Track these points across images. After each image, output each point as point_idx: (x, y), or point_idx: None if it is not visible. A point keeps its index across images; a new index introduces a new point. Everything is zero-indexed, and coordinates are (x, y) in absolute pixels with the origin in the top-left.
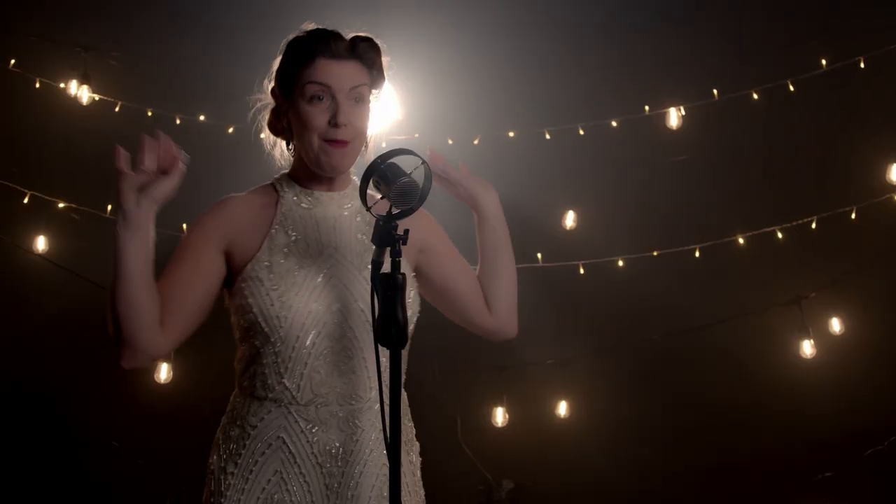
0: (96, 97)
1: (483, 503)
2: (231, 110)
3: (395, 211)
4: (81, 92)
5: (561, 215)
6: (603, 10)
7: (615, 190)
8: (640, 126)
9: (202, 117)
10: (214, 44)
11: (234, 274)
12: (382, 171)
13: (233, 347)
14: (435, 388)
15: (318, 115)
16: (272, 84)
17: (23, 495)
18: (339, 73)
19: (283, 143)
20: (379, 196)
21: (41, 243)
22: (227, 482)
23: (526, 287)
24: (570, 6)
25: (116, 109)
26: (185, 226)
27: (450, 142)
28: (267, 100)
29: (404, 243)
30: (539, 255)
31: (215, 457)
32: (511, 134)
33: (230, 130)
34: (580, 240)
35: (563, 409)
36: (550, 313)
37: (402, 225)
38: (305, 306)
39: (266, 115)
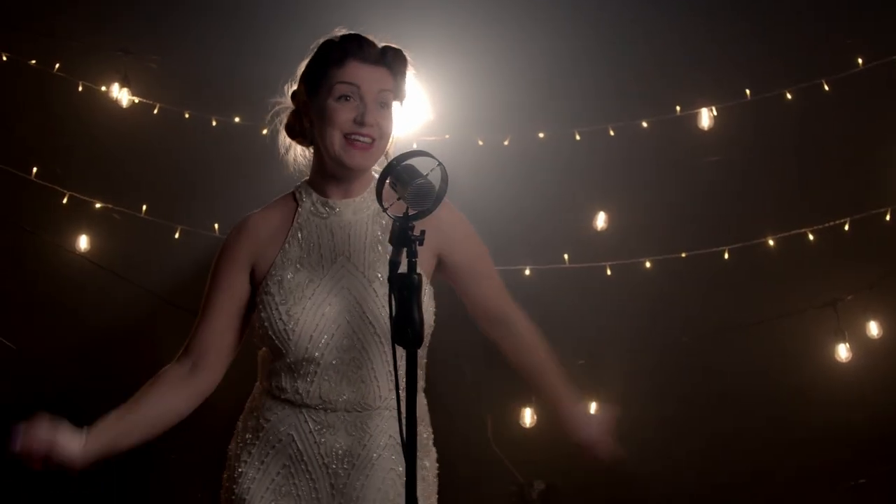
0: (136, 100)
1: None
2: (266, 112)
3: (411, 212)
4: (122, 95)
5: (591, 216)
6: (634, 9)
7: (645, 191)
8: (672, 127)
9: (237, 119)
10: (250, 46)
11: (254, 289)
12: (398, 173)
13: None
14: (465, 388)
15: (344, 112)
16: (295, 86)
17: (59, 490)
18: (369, 75)
19: (298, 148)
20: (396, 197)
21: (83, 243)
22: (239, 470)
23: (555, 288)
24: (601, 6)
25: (155, 112)
26: (217, 226)
27: (480, 143)
28: (287, 104)
29: (421, 244)
30: (566, 256)
31: (233, 444)
32: (541, 135)
33: (264, 132)
34: (610, 241)
35: (592, 409)
36: (580, 314)
37: (419, 225)
38: (312, 320)
39: (284, 119)
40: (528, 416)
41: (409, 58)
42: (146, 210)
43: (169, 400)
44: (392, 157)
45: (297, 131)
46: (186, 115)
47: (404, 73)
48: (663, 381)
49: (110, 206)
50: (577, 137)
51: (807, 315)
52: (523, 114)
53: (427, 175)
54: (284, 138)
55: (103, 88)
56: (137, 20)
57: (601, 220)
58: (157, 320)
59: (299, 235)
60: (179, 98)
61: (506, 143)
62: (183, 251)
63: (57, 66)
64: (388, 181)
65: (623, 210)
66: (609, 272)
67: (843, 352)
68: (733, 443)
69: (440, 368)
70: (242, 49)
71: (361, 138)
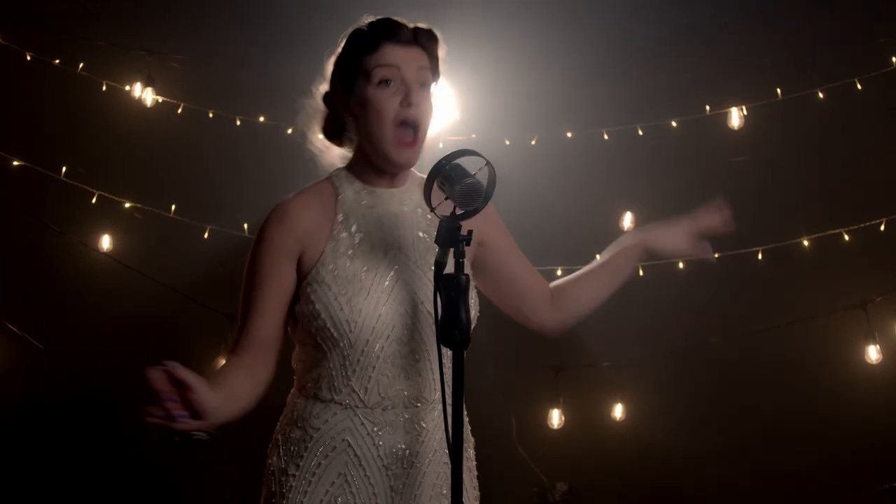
0: (160, 99)
1: None
2: (290, 111)
3: (458, 212)
4: (146, 94)
5: (619, 216)
6: (663, 8)
7: (675, 191)
8: (701, 126)
9: (262, 118)
10: (274, 45)
11: (300, 278)
12: (447, 172)
13: (289, 346)
14: (490, 388)
15: (388, 100)
16: (326, 86)
17: (88, 490)
18: (406, 56)
19: (335, 150)
20: (443, 196)
21: (105, 242)
22: (288, 484)
23: None
24: (630, 5)
25: (179, 111)
26: (246, 226)
27: (507, 142)
28: (317, 104)
29: (468, 244)
30: (598, 257)
31: (275, 458)
32: (569, 134)
33: (289, 131)
34: None
35: (618, 412)
36: (607, 315)
37: (466, 225)
38: (375, 310)
39: (319, 120)
40: (556, 417)
41: (440, 36)
42: (175, 210)
43: (243, 383)
44: (441, 157)
45: (335, 131)
46: (210, 115)
47: (436, 53)
48: (692, 383)
49: (139, 205)
50: (606, 137)
51: (837, 317)
52: (551, 113)
53: (475, 174)
54: (320, 141)
55: (127, 88)
56: (160, 20)
57: (628, 221)
58: (186, 321)
59: (348, 223)
60: (203, 97)
61: (533, 142)
62: (212, 251)
63: (81, 65)
64: (436, 181)
65: (652, 210)
66: (641, 273)
67: (873, 353)
68: (762, 445)
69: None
70: (266, 48)
71: (409, 125)
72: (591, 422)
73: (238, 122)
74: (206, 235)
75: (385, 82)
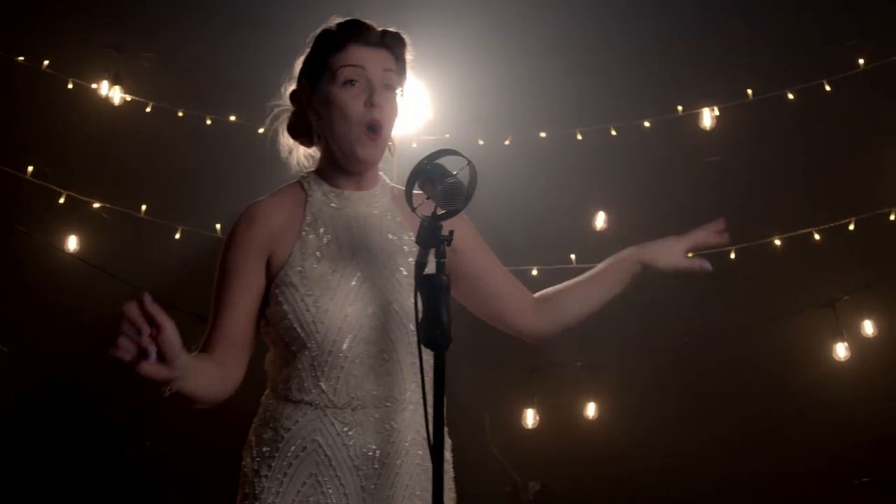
0: (128, 98)
1: None
2: (262, 111)
3: (440, 211)
4: (113, 92)
5: (592, 216)
6: (637, 9)
7: (648, 191)
8: (673, 126)
9: (233, 118)
10: (246, 45)
11: (269, 279)
12: (429, 172)
13: (263, 347)
14: (464, 388)
15: (353, 100)
16: (294, 85)
17: (58, 494)
18: (372, 56)
19: (301, 150)
20: (424, 196)
21: (72, 243)
22: (261, 485)
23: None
24: (603, 6)
25: (148, 110)
26: (218, 226)
27: (480, 142)
28: (285, 105)
29: (449, 244)
30: (573, 257)
31: (248, 459)
32: (542, 134)
33: (260, 131)
34: (612, 241)
35: (591, 410)
36: None
37: (447, 225)
38: (341, 311)
39: (284, 121)
40: (530, 417)
41: (407, 40)
42: (146, 210)
43: (213, 371)
44: (422, 157)
45: (300, 130)
46: (180, 114)
47: (404, 56)
48: (664, 382)
49: (108, 205)
50: (579, 137)
51: (807, 315)
52: (524, 113)
53: (457, 174)
54: (287, 140)
55: (94, 86)
56: (128, 17)
57: (601, 220)
58: None
59: (316, 225)
60: (173, 96)
61: (507, 142)
62: (183, 251)
63: (45, 62)
64: (417, 181)
65: (626, 209)
66: None
67: (841, 351)
68: (734, 442)
69: None
70: (236, 47)
71: (373, 124)
72: (564, 421)
73: (209, 122)
74: (177, 236)
75: (350, 82)
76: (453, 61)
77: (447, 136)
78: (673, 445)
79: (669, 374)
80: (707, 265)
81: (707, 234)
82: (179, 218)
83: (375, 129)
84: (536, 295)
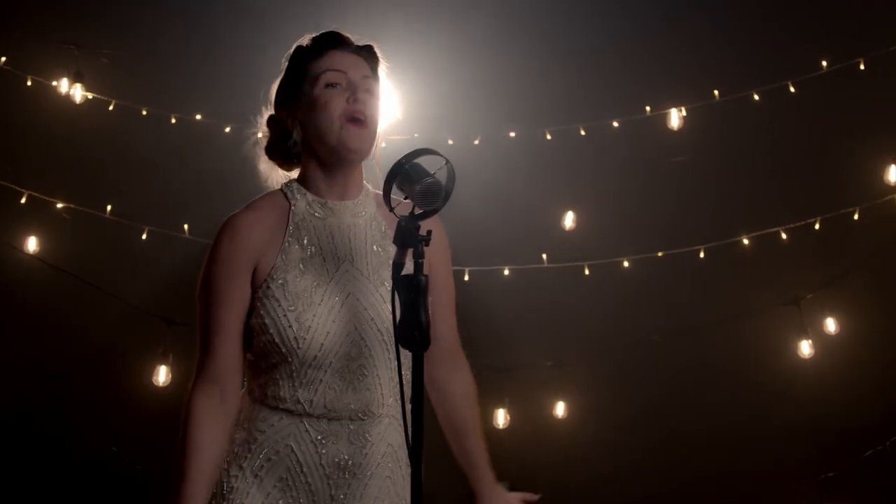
0: (89, 95)
1: None
2: (229, 109)
3: (418, 211)
4: (74, 90)
5: (561, 215)
6: (605, 11)
7: (616, 190)
8: (642, 127)
9: (198, 116)
10: (211, 43)
11: (254, 289)
12: (406, 172)
13: None
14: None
15: (336, 97)
16: (271, 110)
17: (21, 500)
18: (352, 62)
19: (280, 172)
20: (402, 196)
21: (32, 244)
22: (230, 485)
23: (526, 288)
24: (572, 7)
25: (110, 108)
26: (186, 227)
27: (450, 142)
28: (263, 130)
29: (427, 244)
30: (544, 256)
31: None
32: (512, 134)
33: (227, 130)
34: (581, 240)
35: (560, 409)
36: (550, 313)
37: (424, 225)
38: (323, 327)
39: (262, 144)
40: (501, 417)
41: (380, 54)
42: (111, 210)
43: (220, 439)
44: (400, 157)
45: (278, 149)
46: (144, 112)
47: (377, 69)
48: (632, 381)
49: (73, 206)
50: (548, 137)
51: (772, 313)
52: (494, 113)
53: (435, 173)
54: (265, 166)
55: (54, 84)
56: (89, 13)
57: (569, 220)
58: (124, 324)
59: (299, 235)
60: (137, 94)
61: (476, 142)
62: (151, 253)
63: (3, 59)
64: (395, 181)
65: (594, 209)
66: (587, 272)
67: (805, 348)
68: (702, 439)
69: None
70: (204, 45)
71: (358, 115)
72: (534, 420)
73: (173, 120)
74: (143, 237)
75: (332, 85)
76: (422, 61)
77: (416, 135)
78: (640, 444)
79: (638, 372)
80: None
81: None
82: (147, 218)
83: (360, 120)
84: (458, 380)
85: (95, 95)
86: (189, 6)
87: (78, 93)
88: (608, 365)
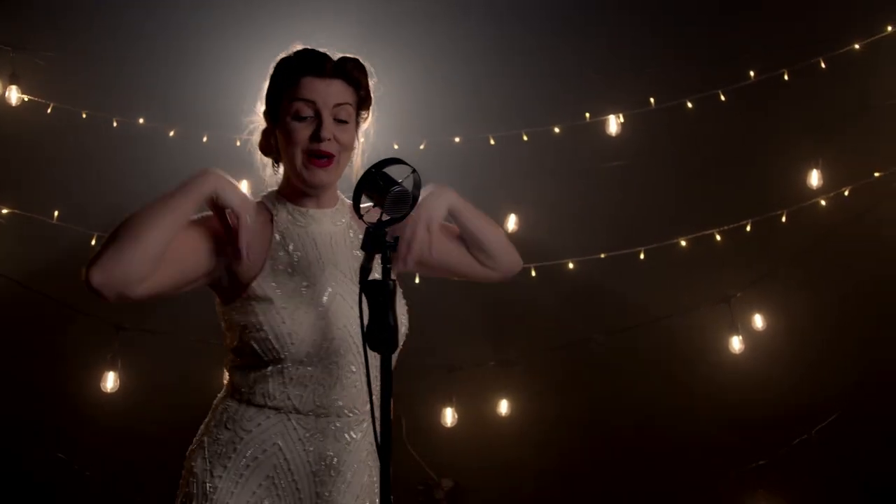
0: (26, 98)
1: (423, 503)
2: (172, 113)
3: (385, 218)
4: (10, 92)
5: (504, 219)
6: (547, 21)
7: (557, 193)
8: (582, 132)
9: (141, 120)
10: (154, 46)
11: (237, 290)
12: (376, 181)
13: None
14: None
15: (301, 130)
16: (262, 108)
17: None
18: (324, 90)
19: (271, 163)
20: (370, 204)
21: None
22: (214, 485)
23: (475, 290)
24: (516, 17)
25: (48, 111)
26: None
27: (395, 146)
28: (259, 122)
29: (394, 250)
30: None
31: (199, 460)
32: (457, 139)
33: (171, 134)
34: (525, 243)
35: (504, 408)
36: (494, 313)
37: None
38: (316, 325)
39: (258, 136)
40: (449, 416)
41: (368, 67)
42: (58, 216)
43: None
44: (369, 166)
45: (268, 149)
46: (84, 115)
47: (365, 83)
48: (576, 379)
49: (18, 211)
50: (492, 142)
51: (705, 311)
52: (439, 118)
53: (402, 181)
54: (260, 155)
55: None
56: (26, 14)
57: (512, 223)
58: (72, 331)
59: (285, 242)
60: (77, 97)
61: (422, 146)
62: None
63: None
64: (365, 190)
65: (536, 212)
66: (534, 273)
67: (736, 344)
68: (636, 433)
69: None
70: (146, 48)
71: (319, 156)
72: (479, 419)
73: (115, 124)
74: (93, 242)
75: (302, 115)
76: (368, 66)
77: (361, 140)
78: (580, 441)
79: (578, 371)
80: None
81: None
82: (90, 222)
83: (319, 156)
84: None
85: (32, 98)
86: (128, 9)
87: (14, 95)
88: (548, 364)
